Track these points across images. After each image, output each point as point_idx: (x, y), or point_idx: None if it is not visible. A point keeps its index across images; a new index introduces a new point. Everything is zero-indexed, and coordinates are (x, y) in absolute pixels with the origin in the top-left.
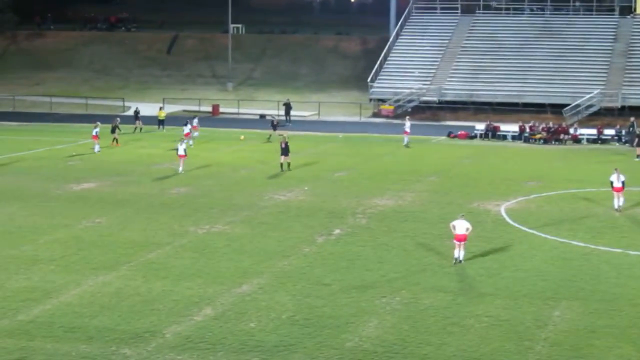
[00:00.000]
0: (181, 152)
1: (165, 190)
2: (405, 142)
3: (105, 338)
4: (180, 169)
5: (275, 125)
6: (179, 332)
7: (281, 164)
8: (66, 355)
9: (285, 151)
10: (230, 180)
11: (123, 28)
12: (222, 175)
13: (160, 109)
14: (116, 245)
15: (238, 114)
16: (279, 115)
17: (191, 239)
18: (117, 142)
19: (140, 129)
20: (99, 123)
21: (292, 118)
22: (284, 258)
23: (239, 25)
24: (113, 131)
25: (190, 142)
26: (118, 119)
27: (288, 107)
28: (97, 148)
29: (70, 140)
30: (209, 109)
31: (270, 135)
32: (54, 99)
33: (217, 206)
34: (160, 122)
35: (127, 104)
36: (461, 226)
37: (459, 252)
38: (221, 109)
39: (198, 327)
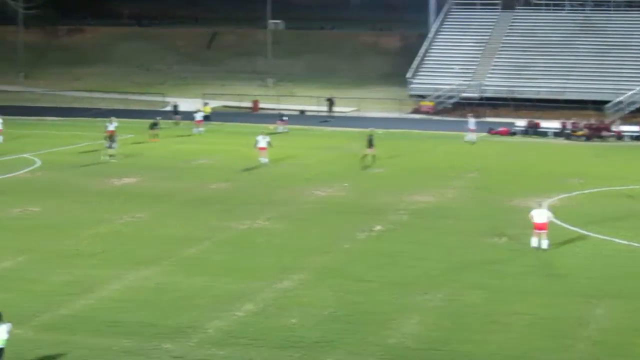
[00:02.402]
0: (262, 144)
1: (205, 185)
2: (469, 139)
3: (147, 333)
4: (265, 160)
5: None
6: (220, 327)
7: (365, 156)
8: (107, 349)
9: (370, 144)
10: (270, 175)
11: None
12: (261, 171)
13: (206, 104)
14: (157, 240)
15: (278, 109)
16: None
17: (231, 234)
18: (156, 137)
19: (178, 123)
20: (113, 118)
21: (333, 114)
22: (325, 254)
23: (278, 21)
24: (152, 127)
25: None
26: (159, 117)
27: (331, 102)
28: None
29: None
30: (249, 104)
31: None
32: (94, 94)
33: (256, 202)
34: (206, 118)
35: (166, 99)
36: (540, 215)
37: (539, 241)
38: (261, 105)
39: (239, 323)
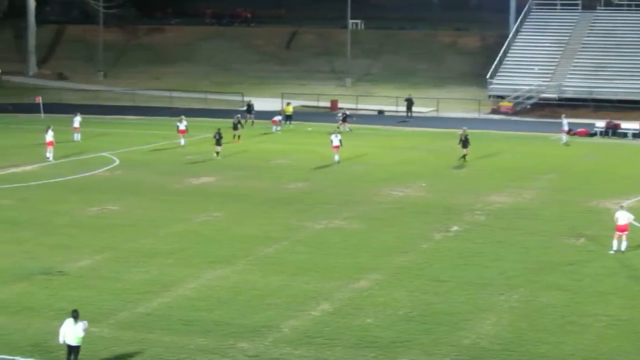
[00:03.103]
0: (336, 143)
1: (282, 185)
2: (564, 141)
3: (223, 332)
4: (337, 157)
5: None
6: (296, 327)
7: (464, 156)
8: (184, 348)
9: (465, 143)
10: (348, 175)
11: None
12: (338, 171)
13: (288, 104)
14: (233, 239)
15: (356, 109)
16: (406, 113)
17: (308, 234)
18: (239, 138)
19: (252, 122)
20: (183, 117)
21: (412, 114)
22: (401, 254)
23: (358, 21)
24: (235, 127)
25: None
26: (239, 115)
27: (410, 102)
28: (182, 142)
29: (189, 134)
30: (327, 104)
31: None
32: (174, 94)
33: (333, 202)
34: (288, 117)
35: (245, 98)
36: (623, 217)
37: (619, 244)
38: (339, 104)
39: (315, 322)
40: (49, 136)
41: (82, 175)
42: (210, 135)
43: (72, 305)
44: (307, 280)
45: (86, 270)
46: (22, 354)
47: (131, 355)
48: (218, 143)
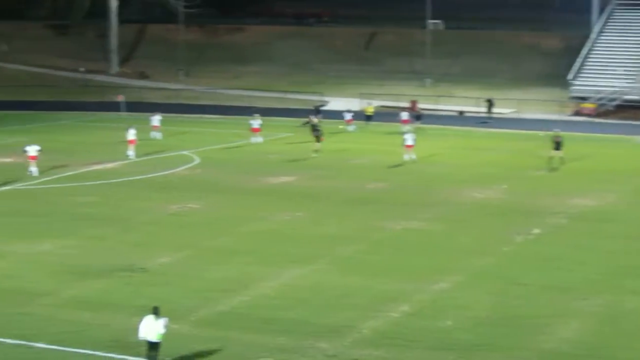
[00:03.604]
0: (409, 142)
1: (362, 185)
2: None
3: (302, 331)
4: (407, 156)
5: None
6: (375, 328)
7: (552, 158)
8: (263, 347)
9: (558, 146)
10: (428, 176)
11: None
12: (418, 171)
13: (369, 104)
14: (313, 239)
15: (436, 110)
16: (487, 114)
17: (388, 234)
18: (318, 139)
19: (320, 122)
20: (257, 115)
21: (492, 115)
22: (481, 256)
23: (438, 21)
24: (315, 129)
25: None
26: (312, 115)
27: (490, 103)
28: (256, 139)
29: (268, 133)
30: (407, 104)
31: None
32: (253, 93)
33: (413, 202)
34: (368, 118)
35: (324, 98)
36: None
37: None
38: (419, 105)
39: (394, 323)
40: (131, 134)
41: (162, 173)
42: (290, 134)
43: (153, 302)
44: (386, 281)
45: (167, 268)
46: (103, 350)
47: (211, 352)
48: (318, 140)
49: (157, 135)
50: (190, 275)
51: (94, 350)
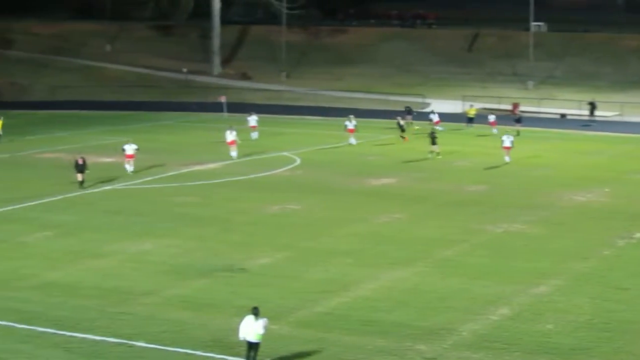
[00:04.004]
0: (507, 144)
1: (463, 187)
2: None
3: (401, 333)
4: (507, 158)
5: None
6: (474, 330)
7: None
8: (362, 348)
9: None
10: (529, 179)
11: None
12: (521, 174)
13: (471, 106)
14: (413, 241)
15: (538, 112)
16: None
17: (488, 237)
18: (403, 138)
19: (411, 123)
20: (352, 116)
21: (595, 118)
22: (583, 260)
23: (541, 23)
24: (402, 129)
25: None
26: (399, 117)
27: (592, 106)
28: (352, 141)
29: (370, 135)
30: (509, 107)
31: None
32: (354, 94)
33: (514, 205)
34: (470, 120)
35: (426, 100)
36: None
37: None
38: (521, 108)
39: (494, 327)
40: (232, 136)
41: (263, 174)
42: (391, 136)
43: (253, 302)
44: (486, 284)
45: (266, 268)
46: (203, 349)
47: (310, 353)
48: (433, 142)
49: (254, 135)
50: (289, 276)
51: (193, 349)
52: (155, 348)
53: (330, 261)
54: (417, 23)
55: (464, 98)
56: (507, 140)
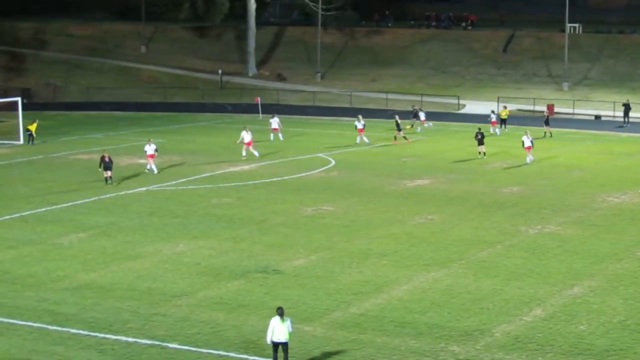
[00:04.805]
0: (527, 144)
1: (497, 188)
2: None
3: (435, 334)
4: (528, 158)
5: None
6: (508, 332)
7: None
8: (395, 349)
9: None
10: (563, 180)
11: (460, 26)
12: (555, 176)
13: (505, 107)
14: (447, 242)
15: (573, 114)
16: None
17: (522, 238)
18: (405, 139)
19: (412, 125)
20: (360, 116)
21: (630, 119)
22: (617, 261)
23: (576, 25)
24: (399, 129)
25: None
26: (397, 115)
27: (627, 108)
28: (365, 139)
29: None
30: (544, 108)
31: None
32: (390, 96)
33: (549, 207)
34: (503, 121)
35: (461, 102)
36: None
37: None
38: (556, 109)
39: (527, 328)
40: (249, 136)
41: (298, 175)
42: (425, 137)
43: (287, 304)
44: (520, 285)
45: (301, 270)
46: (237, 351)
47: (344, 355)
48: (480, 142)
49: (273, 136)
50: (324, 278)
51: (227, 351)
52: (189, 350)
53: (364, 262)
54: (457, 25)
55: (498, 99)
56: (527, 141)
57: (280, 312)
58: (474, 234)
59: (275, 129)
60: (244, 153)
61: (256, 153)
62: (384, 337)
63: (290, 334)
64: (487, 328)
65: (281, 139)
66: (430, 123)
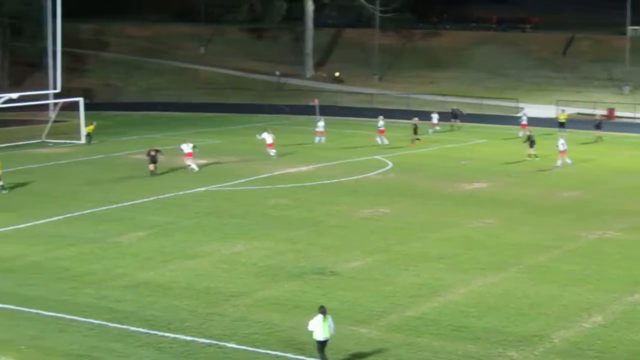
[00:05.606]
0: (561, 147)
1: (555, 193)
2: None
3: (492, 339)
4: (559, 162)
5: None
6: (566, 338)
7: None
8: (452, 353)
9: None
10: (623, 185)
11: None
12: (615, 180)
13: (563, 111)
14: (505, 246)
15: (634, 118)
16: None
17: (581, 244)
18: (418, 141)
19: (458, 127)
20: (381, 116)
21: None
22: None
23: (637, 27)
24: (415, 132)
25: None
26: (416, 118)
27: None
28: (382, 140)
29: (461, 139)
30: (604, 112)
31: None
32: (447, 98)
33: (609, 211)
34: (561, 125)
35: (519, 105)
36: None
37: None
38: (616, 113)
39: (586, 334)
40: (270, 138)
41: (355, 177)
42: (485, 140)
43: (343, 305)
44: (579, 291)
45: (357, 272)
46: (293, 351)
47: (399, 358)
48: (531, 145)
49: (321, 139)
50: (380, 280)
51: (283, 352)
52: (246, 349)
53: (421, 265)
54: (516, 28)
55: (557, 102)
56: (562, 144)
57: (323, 311)
58: (531, 239)
59: (320, 132)
60: (271, 153)
61: (272, 153)
62: (441, 341)
63: (332, 334)
64: (546, 334)
65: (323, 142)
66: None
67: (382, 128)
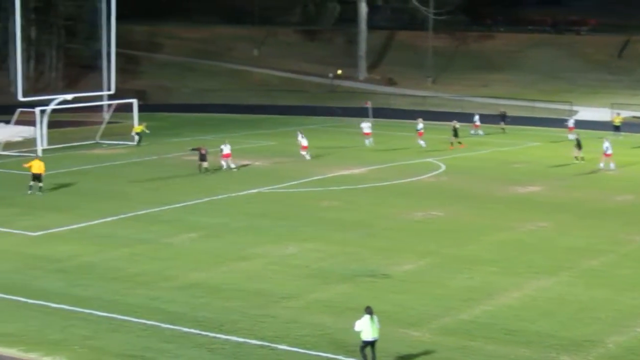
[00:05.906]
0: (606, 150)
1: (609, 196)
2: None
3: (545, 343)
4: (602, 164)
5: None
6: (620, 343)
7: None
8: (505, 357)
9: None
10: None
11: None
12: None
13: (618, 114)
14: (558, 250)
15: None
16: None
17: (636, 248)
18: (459, 144)
19: (503, 129)
20: (420, 119)
21: None
22: None
23: None
24: (455, 135)
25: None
26: (455, 120)
27: None
28: (422, 143)
29: (514, 142)
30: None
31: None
32: (500, 101)
33: None
34: (616, 128)
35: (574, 108)
36: None
37: None
38: None
39: None
40: (305, 140)
41: (407, 180)
42: (539, 143)
43: (395, 308)
44: (634, 296)
45: (410, 275)
46: (345, 354)
47: None
48: (579, 148)
49: (369, 141)
50: (433, 283)
51: (335, 354)
52: (297, 351)
53: (474, 269)
54: (571, 30)
55: (612, 106)
56: (607, 147)
57: (370, 311)
58: (585, 242)
59: (368, 134)
60: (307, 157)
61: (307, 157)
62: (494, 344)
63: (380, 333)
64: (600, 339)
65: (369, 144)
66: (481, 131)
67: (422, 130)
